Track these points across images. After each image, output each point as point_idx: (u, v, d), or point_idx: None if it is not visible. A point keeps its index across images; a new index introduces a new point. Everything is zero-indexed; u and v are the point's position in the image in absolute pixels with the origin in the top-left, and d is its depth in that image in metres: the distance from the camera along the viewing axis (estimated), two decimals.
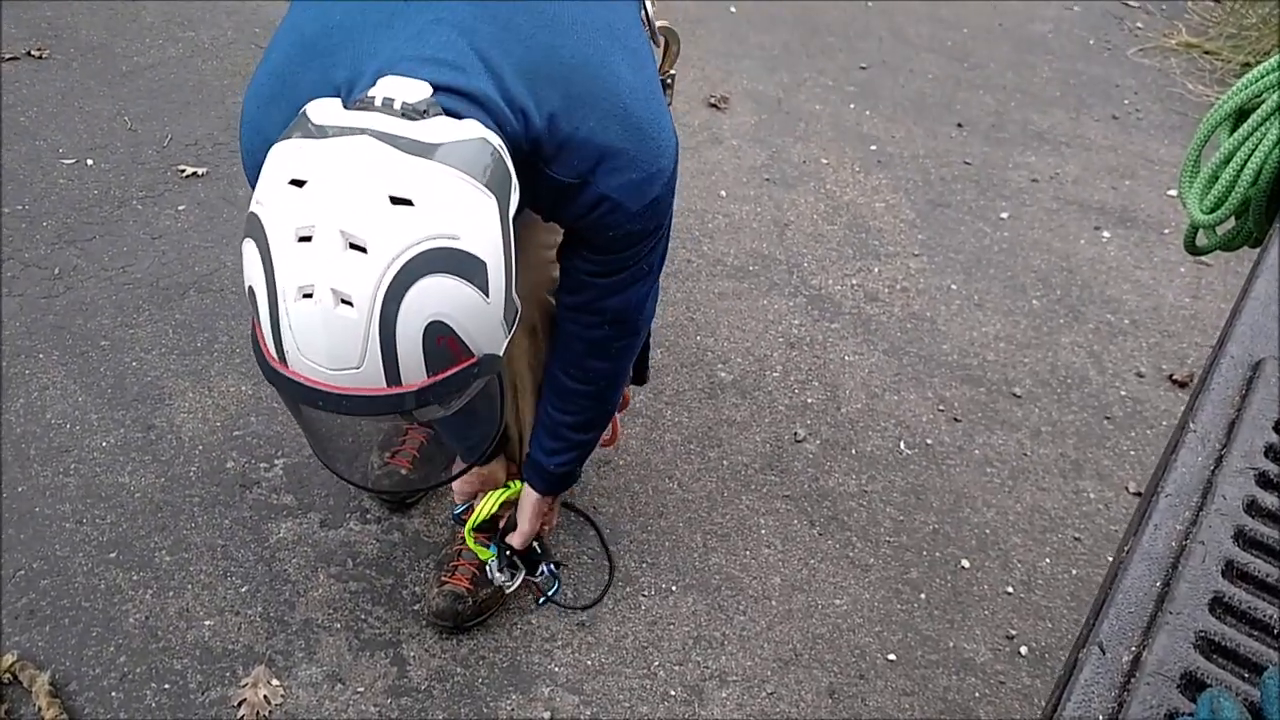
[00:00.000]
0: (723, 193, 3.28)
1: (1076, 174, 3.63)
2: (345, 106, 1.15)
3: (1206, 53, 4.52)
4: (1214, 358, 1.07)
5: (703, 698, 1.93)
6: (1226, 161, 1.45)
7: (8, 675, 1.80)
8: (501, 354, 1.23)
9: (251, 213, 1.10)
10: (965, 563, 2.23)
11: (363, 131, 1.09)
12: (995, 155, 3.68)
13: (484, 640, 1.97)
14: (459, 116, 1.17)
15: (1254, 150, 1.41)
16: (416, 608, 2.00)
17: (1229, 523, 0.87)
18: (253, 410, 2.35)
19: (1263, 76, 1.44)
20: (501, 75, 1.23)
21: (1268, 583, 0.82)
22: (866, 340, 2.78)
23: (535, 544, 1.89)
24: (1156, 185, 3.61)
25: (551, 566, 1.92)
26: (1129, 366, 2.80)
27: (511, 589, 1.91)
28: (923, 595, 2.15)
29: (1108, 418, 2.63)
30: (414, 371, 1.11)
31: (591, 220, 1.39)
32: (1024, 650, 2.07)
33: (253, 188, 1.19)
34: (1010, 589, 2.19)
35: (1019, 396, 2.66)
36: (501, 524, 1.88)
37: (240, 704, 1.81)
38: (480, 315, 1.14)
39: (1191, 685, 0.74)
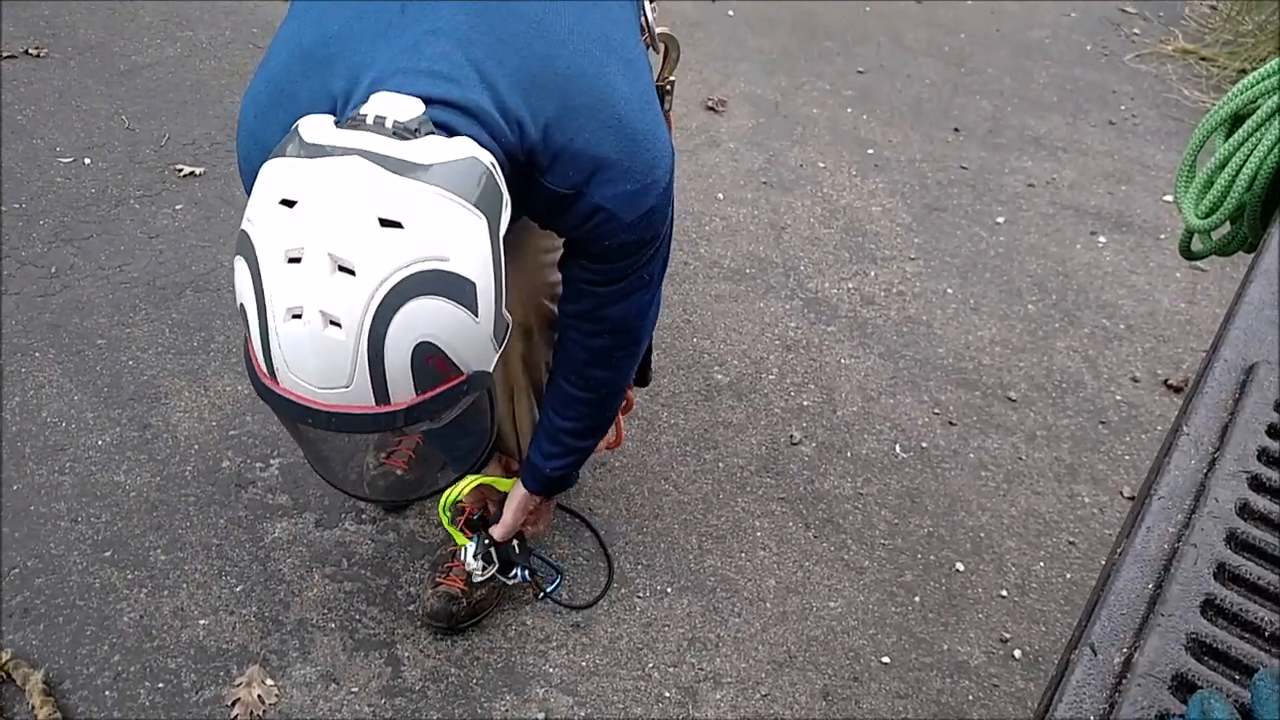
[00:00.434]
0: (720, 195, 3.29)
1: (1073, 179, 3.63)
2: (337, 124, 1.15)
3: (1203, 59, 4.53)
4: (1208, 361, 1.07)
5: (697, 699, 1.93)
6: (1221, 167, 1.45)
7: (2, 673, 1.80)
8: (491, 370, 1.24)
9: (242, 230, 1.11)
10: (960, 566, 2.23)
11: (353, 152, 1.09)
12: (992, 160, 3.68)
13: (478, 641, 1.97)
14: (452, 131, 1.18)
15: (1249, 155, 1.41)
16: (411, 608, 2.00)
17: (1221, 525, 0.87)
18: (249, 410, 2.35)
19: (1258, 82, 1.44)
20: (497, 86, 1.23)
21: (1259, 585, 0.83)
22: (862, 343, 2.79)
23: (515, 542, 1.88)
24: (1153, 191, 3.62)
25: (525, 572, 1.89)
26: (1124, 371, 2.81)
27: (479, 579, 1.88)
28: (917, 598, 2.16)
29: (1103, 422, 2.63)
30: (403, 390, 1.12)
31: (587, 230, 1.39)
32: (1018, 653, 2.07)
33: (248, 193, 1.19)
34: (1004, 592, 2.19)
35: (1014, 400, 2.66)
36: (489, 514, 1.88)
37: (234, 703, 1.81)
38: (469, 334, 1.15)
39: (1183, 687, 0.74)
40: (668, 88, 1.79)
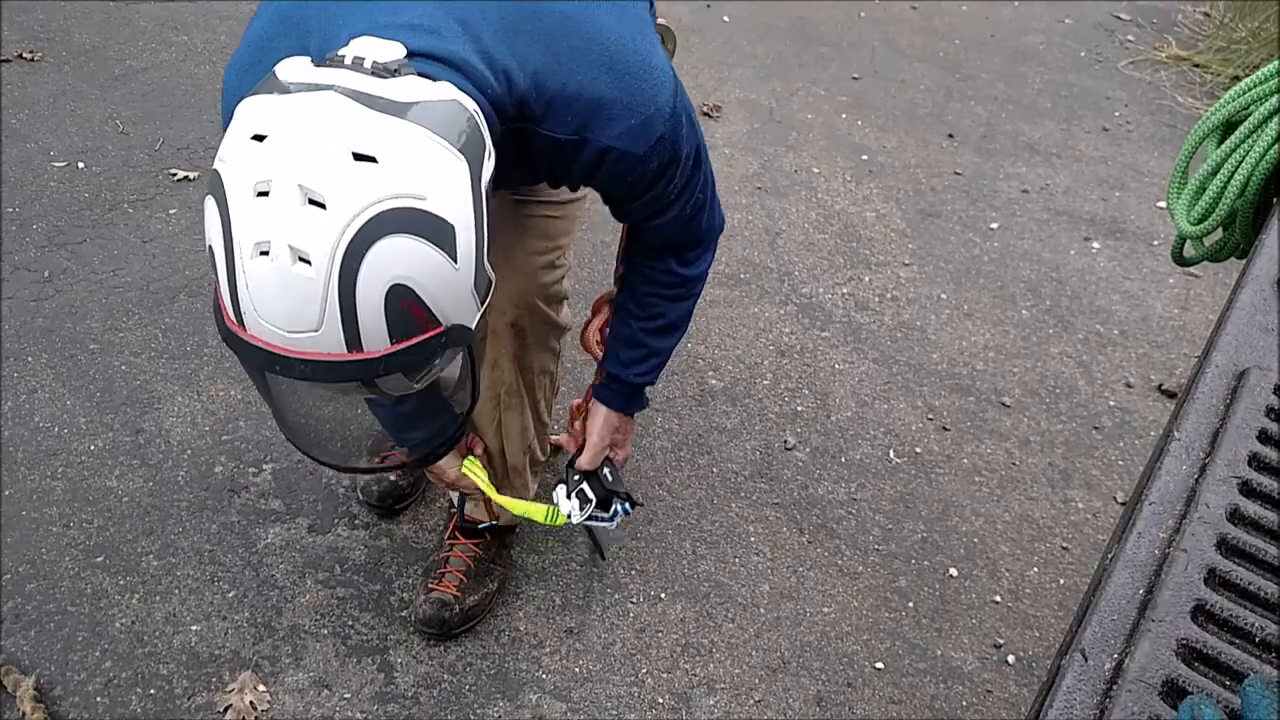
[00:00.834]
0: None
1: (1067, 185, 3.64)
2: (315, 64, 1.11)
3: (1196, 66, 4.55)
4: (1199, 367, 1.07)
5: (690, 705, 1.93)
6: (1214, 173, 1.46)
7: None
8: (473, 327, 1.19)
9: (214, 169, 1.06)
10: (953, 571, 2.23)
11: (330, 88, 1.05)
12: (986, 166, 3.69)
13: (471, 647, 1.97)
14: (434, 80, 1.14)
15: (1241, 162, 1.41)
16: (404, 614, 2.00)
17: (1212, 531, 0.87)
18: (242, 415, 2.35)
19: (1250, 89, 1.45)
20: (480, 37, 1.20)
21: (1250, 591, 0.83)
22: (856, 349, 2.79)
23: (605, 471, 1.79)
24: (1146, 197, 3.63)
25: (626, 506, 1.79)
26: (1118, 377, 2.81)
27: (578, 520, 1.77)
28: (911, 604, 2.16)
29: (1096, 428, 2.63)
30: (376, 337, 1.07)
31: (604, 173, 1.36)
32: (1011, 659, 2.07)
33: None
34: (998, 598, 2.19)
35: (1008, 406, 2.67)
36: (572, 449, 1.85)
37: (226, 709, 1.80)
38: (447, 281, 1.10)
39: (1173, 692, 0.74)
40: None
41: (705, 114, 3.73)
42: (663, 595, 2.11)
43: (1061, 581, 2.24)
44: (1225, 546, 0.86)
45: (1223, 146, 1.45)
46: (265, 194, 1.01)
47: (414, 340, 1.10)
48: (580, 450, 1.80)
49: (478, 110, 1.15)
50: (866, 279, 3.05)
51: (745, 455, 2.44)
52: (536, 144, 1.31)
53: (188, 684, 1.85)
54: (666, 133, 1.36)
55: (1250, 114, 1.43)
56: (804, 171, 3.51)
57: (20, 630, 1.89)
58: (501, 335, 1.72)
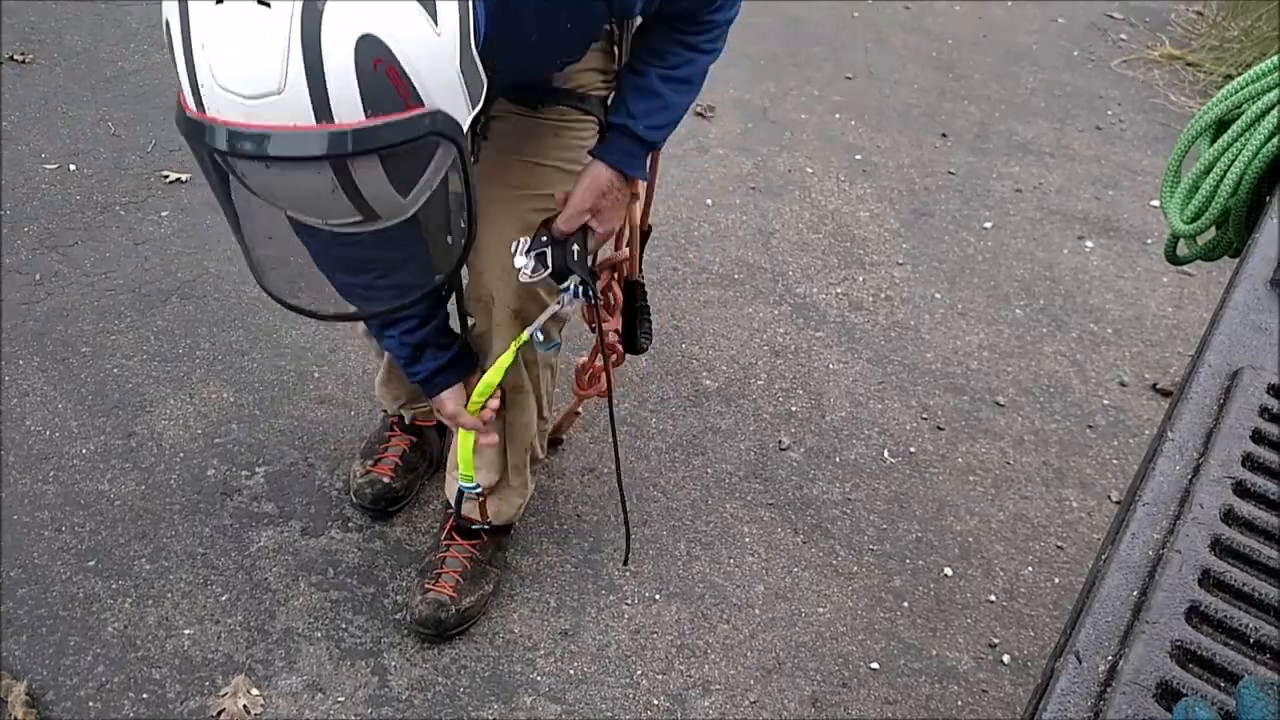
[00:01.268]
0: (708, 201, 3.29)
1: (1060, 184, 3.64)
2: None
3: (1189, 64, 4.55)
4: (1192, 367, 1.07)
5: (685, 707, 1.92)
6: (1207, 172, 1.46)
7: None
8: (465, 126, 1.07)
9: None
10: (948, 571, 2.23)
11: None
12: (979, 165, 3.69)
13: (465, 649, 1.96)
14: None
15: (1234, 161, 1.41)
16: (398, 617, 1.99)
17: (1206, 532, 0.87)
18: (234, 418, 2.34)
19: (1243, 88, 1.45)
20: None
21: (1244, 592, 0.83)
22: (851, 349, 2.79)
23: (575, 248, 1.61)
24: (1139, 195, 3.63)
25: (583, 289, 1.63)
26: (1112, 375, 2.81)
27: (528, 279, 1.61)
28: (906, 603, 2.15)
29: (1090, 426, 2.63)
30: (348, 105, 0.96)
31: None
32: (1006, 659, 2.07)
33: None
34: (993, 597, 2.19)
35: (1002, 405, 2.67)
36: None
37: (219, 713, 1.80)
38: (427, 48, 0.99)
39: (1167, 694, 0.74)
40: None
41: (699, 114, 3.72)
42: (657, 596, 2.10)
43: (1056, 580, 2.24)
44: (1219, 547, 0.86)
45: (1215, 145, 1.45)
46: None
47: (393, 117, 0.99)
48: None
49: None
50: (860, 279, 3.05)
51: (740, 456, 2.43)
52: None
53: (180, 688, 1.84)
54: None
55: (1243, 112, 1.43)
56: (798, 171, 3.51)
57: (12, 635, 1.88)
58: (505, 327, 1.72)
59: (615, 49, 1.67)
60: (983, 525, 2.34)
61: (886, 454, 2.49)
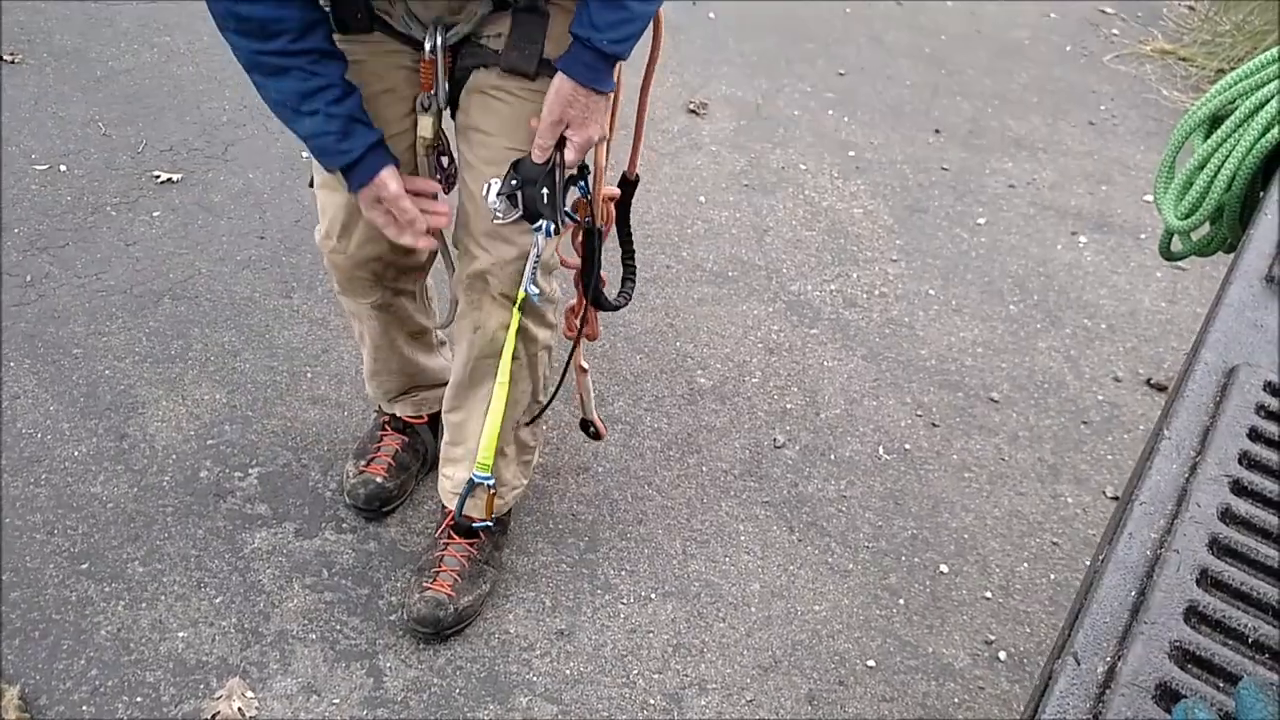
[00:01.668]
0: (702, 198, 3.28)
1: (1053, 180, 3.64)
2: None
3: (1182, 59, 4.55)
4: (1188, 364, 1.07)
5: (682, 706, 1.92)
6: (1200, 167, 1.45)
7: None
8: None
9: None
10: (944, 568, 2.23)
11: None
12: (973, 161, 3.69)
13: (461, 650, 1.95)
14: None
15: (1227, 156, 1.41)
16: (393, 618, 1.98)
17: (1203, 531, 0.86)
18: (227, 419, 2.33)
19: (1236, 83, 1.44)
20: None
21: (1242, 591, 0.82)
22: (845, 346, 2.78)
23: (545, 191, 1.59)
24: (1133, 191, 3.63)
25: (552, 228, 1.60)
26: (1106, 371, 2.81)
27: (501, 223, 1.62)
28: (901, 601, 2.15)
29: (1085, 422, 2.63)
30: None
31: None
32: (1003, 655, 2.07)
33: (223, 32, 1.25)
34: (989, 594, 2.19)
35: (996, 401, 2.66)
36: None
37: (214, 716, 1.79)
38: None
39: (1166, 695, 0.74)
40: None
41: (692, 111, 3.72)
42: (653, 596, 2.10)
43: (1052, 577, 2.23)
44: (1217, 546, 0.86)
45: (1209, 140, 1.45)
46: None
47: None
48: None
49: None
50: (854, 275, 3.04)
51: (734, 454, 2.43)
52: None
53: (175, 691, 1.83)
54: None
55: (1237, 108, 1.43)
56: (791, 168, 3.50)
57: (5, 639, 1.87)
58: (500, 303, 1.72)
59: None
60: (978, 522, 2.34)
61: (881, 451, 2.49)
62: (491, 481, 1.83)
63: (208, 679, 1.85)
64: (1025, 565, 2.25)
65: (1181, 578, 0.82)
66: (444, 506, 2.04)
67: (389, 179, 1.58)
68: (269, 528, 2.12)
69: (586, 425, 2.14)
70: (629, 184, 1.87)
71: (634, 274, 1.98)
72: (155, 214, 2.89)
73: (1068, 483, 2.46)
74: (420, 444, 2.22)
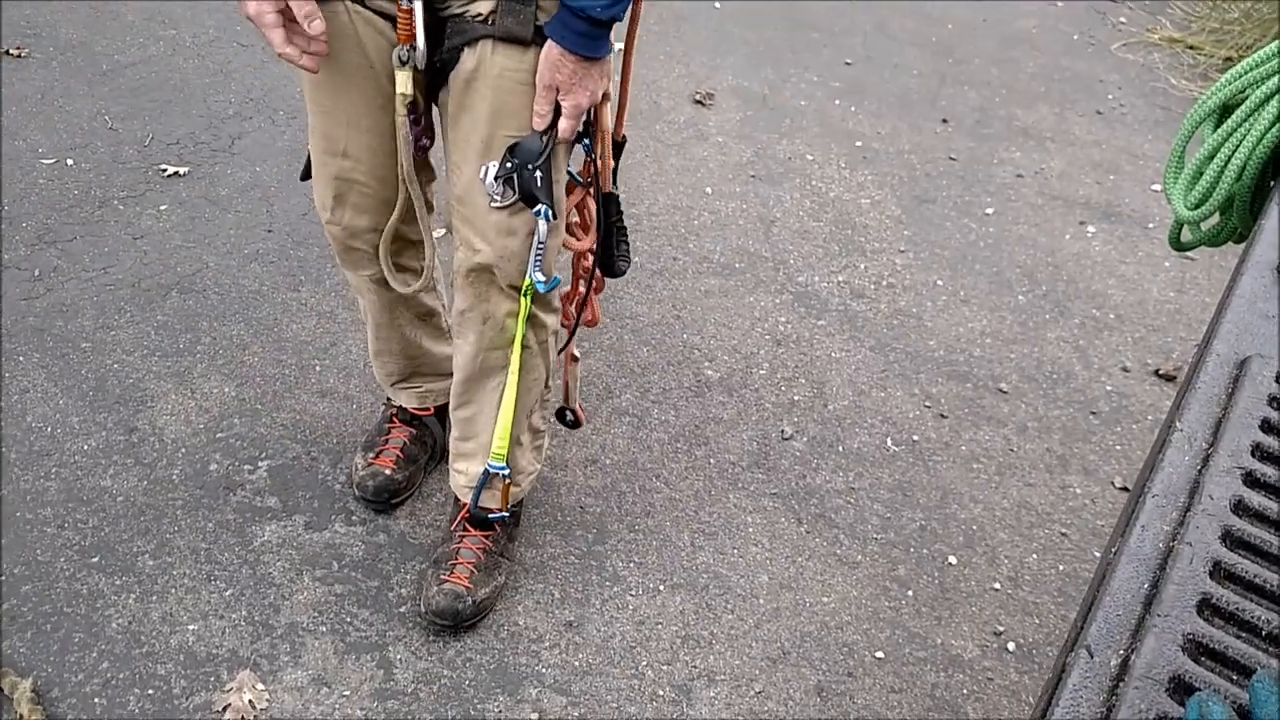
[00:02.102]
0: (708, 190, 3.28)
1: (1061, 169, 3.63)
2: None
3: (1190, 48, 4.53)
4: (1200, 356, 1.06)
5: (691, 697, 1.92)
6: (1210, 157, 1.45)
7: None
8: None
9: None
10: (953, 559, 2.23)
11: None
12: (980, 151, 3.68)
13: (471, 642, 1.96)
14: None
15: (1238, 146, 1.40)
16: (402, 610, 1.99)
17: (1216, 523, 0.86)
18: (236, 412, 2.33)
19: (1246, 72, 1.43)
20: None
21: (1256, 584, 0.82)
22: (853, 337, 2.78)
23: (538, 175, 1.58)
24: (1141, 180, 3.62)
25: (549, 213, 1.59)
26: (1114, 361, 2.81)
27: (498, 206, 1.61)
28: (910, 592, 2.15)
29: (1093, 412, 2.63)
30: None
31: None
32: (1012, 646, 2.07)
33: None
34: (997, 585, 2.19)
35: (1005, 392, 2.66)
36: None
37: (225, 709, 1.80)
38: None
39: (1180, 689, 0.74)
40: None
41: (698, 102, 3.71)
42: (661, 587, 2.10)
43: (1061, 568, 2.23)
44: (1230, 539, 0.85)
45: (1220, 130, 1.44)
46: None
47: None
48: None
49: None
50: (862, 266, 3.04)
51: (742, 446, 2.43)
52: None
53: (186, 684, 1.84)
54: None
55: (1247, 97, 1.42)
56: (798, 159, 3.49)
57: (16, 632, 1.88)
58: (508, 293, 1.72)
59: None
60: (987, 513, 2.34)
61: (890, 442, 2.48)
62: (507, 472, 1.83)
63: (218, 671, 1.86)
64: (1034, 556, 2.25)
65: (1194, 570, 0.82)
66: (456, 499, 2.04)
67: None
68: (278, 520, 2.13)
69: (564, 413, 2.13)
70: (617, 145, 1.85)
71: (626, 234, 1.96)
72: (162, 208, 2.89)
73: (1076, 473, 2.46)
74: (428, 436, 2.22)
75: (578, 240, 1.81)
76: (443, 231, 1.98)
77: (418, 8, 1.50)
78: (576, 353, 2.03)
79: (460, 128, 1.61)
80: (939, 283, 3.01)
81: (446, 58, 1.57)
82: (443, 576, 1.95)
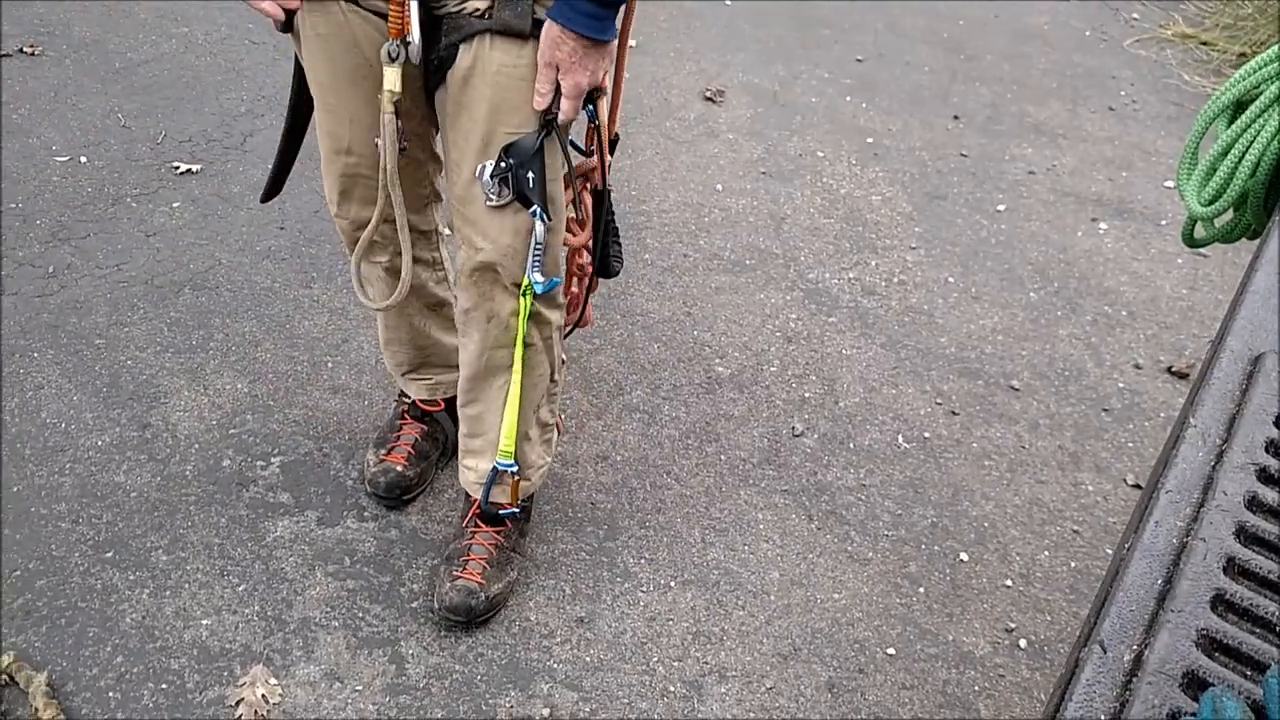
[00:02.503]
0: (719, 186, 3.28)
1: (1073, 166, 3.62)
2: None
3: (1203, 43, 4.51)
4: (1214, 352, 1.06)
5: (702, 693, 1.92)
6: (1224, 154, 1.44)
7: (4, 676, 1.80)
8: None
9: None
10: (964, 556, 2.23)
11: None
12: (992, 147, 3.67)
13: (482, 637, 1.97)
14: None
15: (1252, 142, 1.40)
16: (414, 605, 2.00)
17: (1230, 519, 0.86)
18: (249, 408, 2.34)
19: (1261, 68, 1.43)
20: None
21: (1270, 579, 0.82)
22: (864, 334, 2.78)
23: (530, 175, 1.58)
24: (1153, 177, 3.60)
25: (544, 215, 1.60)
26: (1127, 358, 2.80)
27: (494, 205, 1.62)
28: (921, 589, 2.15)
29: (1105, 410, 2.62)
30: None
31: None
32: (1023, 643, 2.07)
33: None
34: (1009, 582, 2.18)
35: (1017, 389, 2.66)
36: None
37: (238, 703, 1.81)
38: None
39: (1194, 684, 0.74)
40: None
41: (709, 99, 3.71)
42: (672, 584, 2.11)
43: (1073, 565, 2.23)
44: (1244, 535, 0.85)
45: (1233, 126, 1.44)
46: None
47: None
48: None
49: None
50: (873, 263, 3.03)
51: (753, 442, 2.43)
52: None
53: (199, 678, 1.85)
54: None
55: (1261, 93, 1.42)
56: (808, 156, 3.49)
57: (31, 627, 1.89)
58: (511, 292, 1.72)
59: None
60: (998, 510, 2.33)
61: (901, 439, 2.48)
62: (515, 468, 1.84)
63: (231, 666, 1.87)
64: (1046, 553, 2.25)
65: (1208, 566, 0.82)
66: (467, 495, 2.04)
67: None
68: (291, 516, 2.13)
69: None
70: (610, 143, 1.85)
71: (618, 234, 1.96)
72: (175, 205, 2.90)
73: (1088, 470, 2.45)
74: (440, 432, 2.23)
75: (573, 235, 1.81)
76: (447, 231, 1.98)
77: (412, 3, 1.50)
78: (564, 355, 2.03)
79: (459, 126, 1.60)
80: (950, 279, 3.01)
81: (443, 55, 1.56)
82: (456, 573, 1.96)
